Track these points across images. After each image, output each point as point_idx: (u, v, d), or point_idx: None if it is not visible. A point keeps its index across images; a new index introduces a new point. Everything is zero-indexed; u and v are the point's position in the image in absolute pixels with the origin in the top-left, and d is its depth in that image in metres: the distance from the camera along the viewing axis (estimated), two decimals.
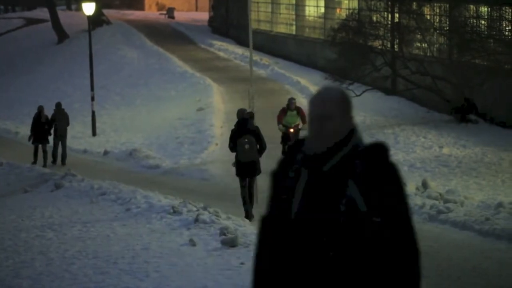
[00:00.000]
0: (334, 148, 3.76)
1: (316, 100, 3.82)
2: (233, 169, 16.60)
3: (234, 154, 16.19)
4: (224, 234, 12.50)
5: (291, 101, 22.16)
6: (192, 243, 12.30)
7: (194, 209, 14.66)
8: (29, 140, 25.62)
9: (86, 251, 12.17)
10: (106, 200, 16.97)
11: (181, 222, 13.93)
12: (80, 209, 16.17)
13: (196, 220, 13.72)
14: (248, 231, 13.19)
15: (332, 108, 3.77)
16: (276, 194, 3.89)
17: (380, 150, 3.80)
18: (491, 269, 11.70)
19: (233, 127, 16.53)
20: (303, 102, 30.68)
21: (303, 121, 21.71)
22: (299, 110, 21.82)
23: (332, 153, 3.76)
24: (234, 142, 15.82)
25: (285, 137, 21.61)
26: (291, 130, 21.53)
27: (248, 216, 15.68)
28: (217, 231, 12.87)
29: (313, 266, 3.73)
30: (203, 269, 10.85)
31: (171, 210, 14.69)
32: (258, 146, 15.80)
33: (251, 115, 17.72)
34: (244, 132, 15.74)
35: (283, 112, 21.83)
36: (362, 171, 3.72)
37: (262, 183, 16.31)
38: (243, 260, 11.09)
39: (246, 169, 15.79)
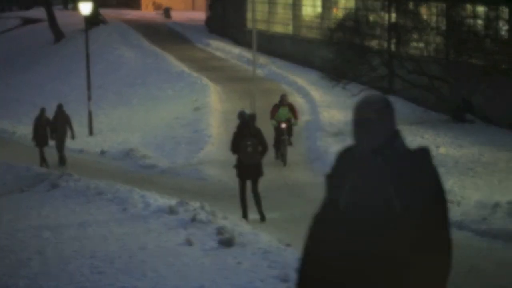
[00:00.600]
0: (377, 150, 4.08)
1: (359, 106, 4.18)
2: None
3: (233, 154, 16.14)
4: (221, 234, 12.50)
5: (283, 97, 23.10)
6: (189, 242, 12.29)
7: (191, 208, 14.65)
8: (32, 141, 25.66)
9: (83, 251, 12.15)
10: (103, 200, 16.95)
11: (178, 222, 13.92)
12: (77, 208, 16.15)
13: (193, 219, 13.71)
14: (245, 230, 13.19)
15: (373, 113, 4.12)
16: (329, 193, 4.24)
17: (421, 153, 4.11)
18: (488, 269, 11.71)
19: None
20: (300, 101, 30.75)
21: (295, 117, 22.88)
22: (291, 106, 22.79)
23: (375, 155, 4.08)
24: (236, 144, 15.78)
25: (278, 135, 22.24)
26: (283, 125, 22.34)
27: (246, 216, 15.69)
28: (214, 230, 12.86)
29: (356, 258, 4.03)
30: (200, 268, 10.84)
31: (168, 210, 14.68)
32: (260, 148, 15.78)
33: (253, 117, 17.71)
34: (246, 134, 15.70)
35: (276, 108, 22.68)
36: (402, 173, 4.01)
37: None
38: (240, 260, 11.09)
39: (248, 172, 15.77)
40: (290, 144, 22.77)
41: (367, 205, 4.01)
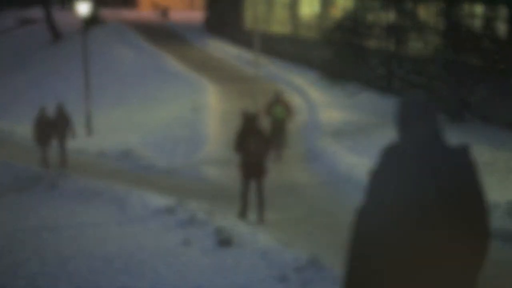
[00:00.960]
0: (420, 147, 4.33)
1: (404, 105, 4.45)
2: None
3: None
4: (220, 234, 12.50)
5: (278, 95, 23.38)
6: (188, 242, 12.29)
7: (190, 208, 14.65)
8: (34, 141, 25.66)
9: (81, 251, 12.15)
10: (101, 200, 16.96)
11: (177, 222, 13.92)
12: (76, 209, 16.16)
13: (192, 219, 13.71)
14: (244, 231, 13.18)
15: (414, 113, 4.39)
16: (373, 189, 4.44)
17: (461, 151, 4.38)
18: (487, 269, 11.70)
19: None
20: (298, 101, 30.76)
21: (289, 114, 23.22)
22: (285, 104, 23.06)
23: (419, 152, 4.32)
24: (239, 143, 15.80)
25: (274, 132, 22.53)
26: (279, 123, 22.73)
27: (245, 215, 15.68)
28: (212, 230, 12.86)
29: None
30: (198, 268, 10.84)
31: (167, 210, 14.68)
32: (262, 147, 15.79)
33: (256, 116, 17.76)
34: (249, 133, 15.72)
35: (270, 105, 23.04)
36: (443, 169, 4.25)
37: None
38: (238, 260, 11.09)
39: (252, 171, 15.78)
40: (286, 144, 22.99)
41: (411, 200, 4.22)
